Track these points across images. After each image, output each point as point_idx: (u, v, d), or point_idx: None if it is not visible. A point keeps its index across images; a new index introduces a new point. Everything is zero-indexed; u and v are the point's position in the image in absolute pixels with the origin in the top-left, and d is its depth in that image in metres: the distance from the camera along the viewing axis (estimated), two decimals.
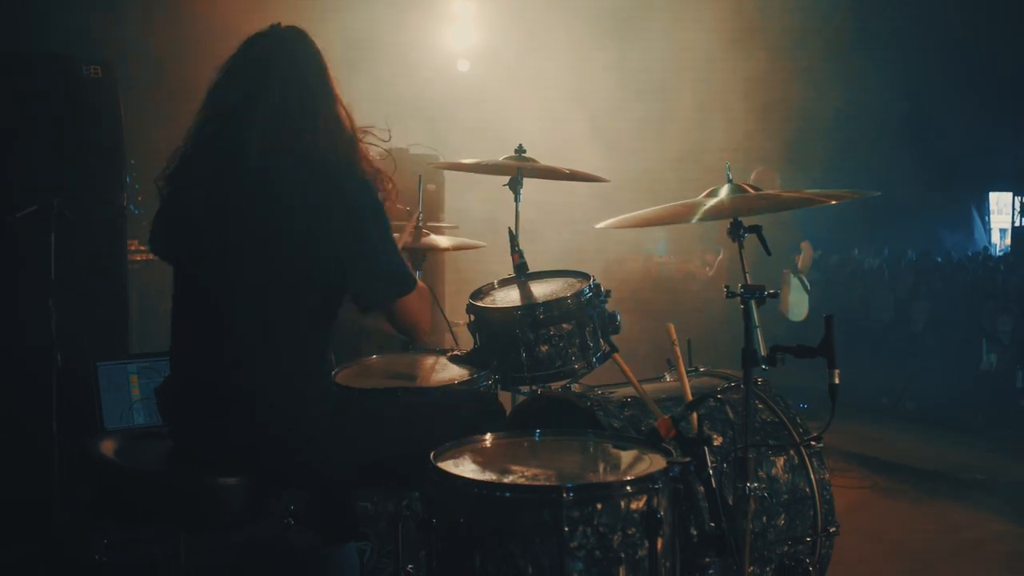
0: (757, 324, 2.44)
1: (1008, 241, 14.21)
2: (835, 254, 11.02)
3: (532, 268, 3.34)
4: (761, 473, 2.79)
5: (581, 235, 6.62)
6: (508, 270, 3.36)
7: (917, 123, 11.06)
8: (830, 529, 2.87)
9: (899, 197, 11.55)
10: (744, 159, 7.38)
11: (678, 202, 2.75)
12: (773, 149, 7.83)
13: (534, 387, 3.10)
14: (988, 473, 5.99)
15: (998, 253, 13.33)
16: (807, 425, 2.99)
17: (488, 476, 2.19)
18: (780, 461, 2.85)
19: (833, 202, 2.50)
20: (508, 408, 3.24)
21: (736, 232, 2.66)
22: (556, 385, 3.07)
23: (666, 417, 2.24)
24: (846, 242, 11.84)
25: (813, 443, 2.90)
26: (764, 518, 2.75)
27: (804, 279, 7.69)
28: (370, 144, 2.58)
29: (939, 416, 7.32)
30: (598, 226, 2.92)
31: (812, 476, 2.86)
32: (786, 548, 2.79)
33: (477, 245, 4.08)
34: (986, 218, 14.30)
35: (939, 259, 11.81)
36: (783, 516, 2.79)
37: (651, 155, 7.01)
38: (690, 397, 2.64)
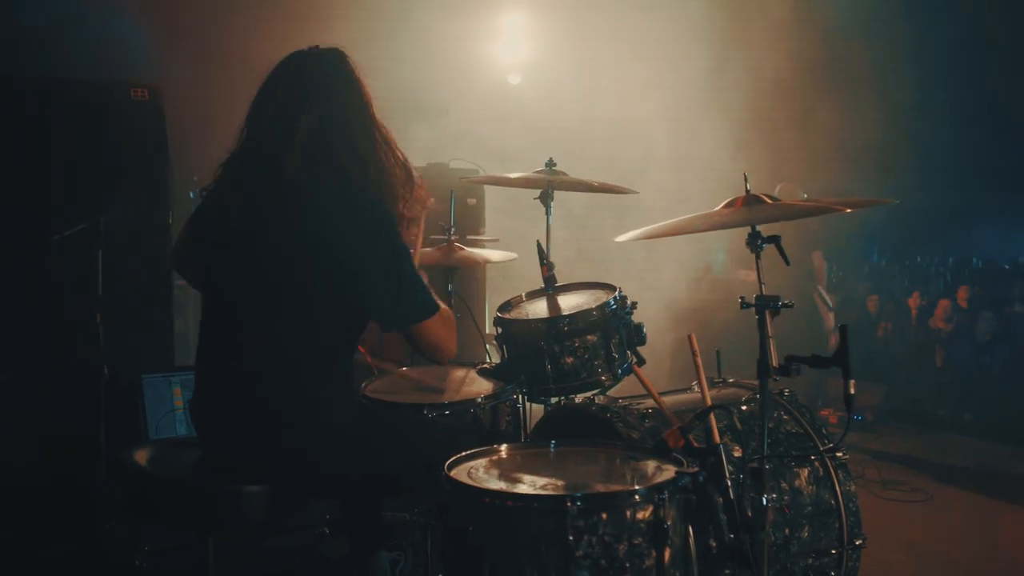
0: (771, 334, 2.43)
1: None
2: (896, 262, 10.80)
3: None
4: (784, 485, 2.77)
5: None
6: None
7: (974, 130, 10.80)
8: (856, 542, 2.83)
9: (962, 204, 11.30)
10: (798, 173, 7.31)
11: (695, 214, 2.75)
12: (826, 165, 7.73)
13: (559, 399, 3.12)
14: None
15: None
16: (833, 436, 2.96)
17: (499, 486, 2.22)
18: (804, 472, 2.83)
19: (848, 211, 2.48)
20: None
21: (754, 242, 2.66)
22: (580, 397, 3.09)
23: (675, 427, 2.25)
24: (909, 251, 11.62)
25: (838, 454, 2.86)
26: (787, 530, 2.73)
27: (824, 294, 7.58)
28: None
29: (998, 428, 7.13)
30: (618, 239, 2.93)
31: (837, 488, 2.83)
32: (810, 561, 2.76)
33: (509, 258, 4.12)
34: None
35: (1006, 266, 11.50)
36: (807, 528, 2.76)
37: (690, 170, 6.99)
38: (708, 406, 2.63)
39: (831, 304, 7.59)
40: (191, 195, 5.63)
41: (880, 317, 9.05)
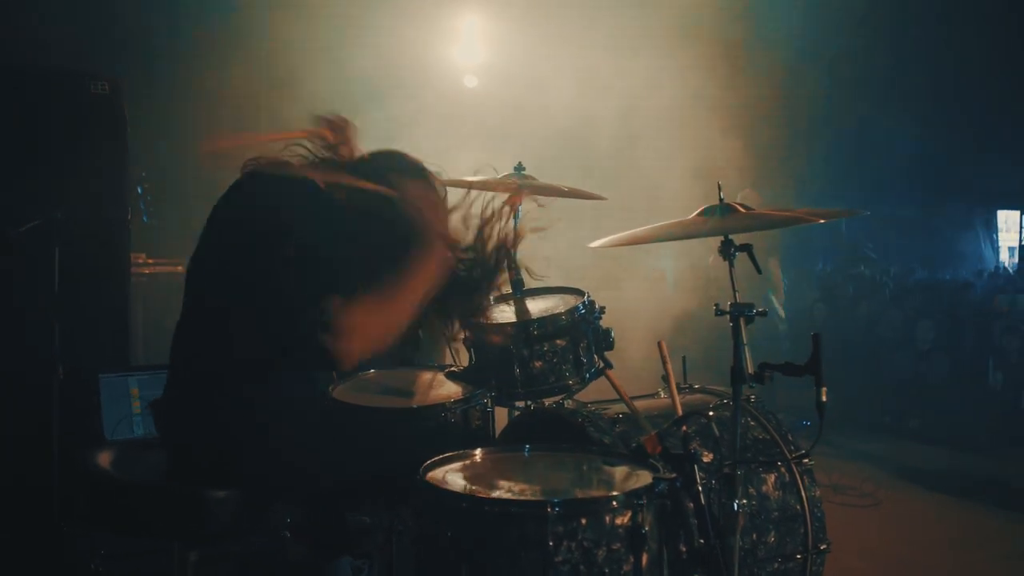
0: (745, 342, 2.46)
1: (1016, 259, 14.16)
2: (840, 272, 11.01)
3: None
4: (751, 490, 2.80)
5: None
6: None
7: (925, 142, 11.05)
8: (821, 546, 2.87)
9: (906, 215, 11.54)
10: (759, 177, 7.41)
11: (670, 221, 2.77)
12: (779, 171, 7.85)
13: (528, 403, 3.12)
14: (992, 491, 5.98)
15: (1004, 271, 13.28)
16: (799, 443, 3.00)
17: (476, 490, 2.21)
18: (771, 478, 2.86)
19: (822, 221, 2.52)
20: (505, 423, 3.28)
21: (727, 250, 2.69)
22: (550, 401, 3.09)
23: (653, 434, 2.26)
24: (853, 260, 11.82)
25: (804, 460, 2.91)
26: (754, 535, 2.76)
27: (777, 303, 7.71)
28: None
29: (943, 434, 7.32)
30: (592, 245, 2.94)
31: (803, 493, 2.87)
32: (776, 565, 2.79)
33: None
34: (994, 236, 14.24)
35: (947, 277, 11.79)
36: (773, 533, 2.80)
37: (655, 172, 7.04)
38: (680, 414, 2.65)
39: (782, 314, 7.73)
40: (139, 190, 5.53)
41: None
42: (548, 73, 7.27)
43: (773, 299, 7.84)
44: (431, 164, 2.55)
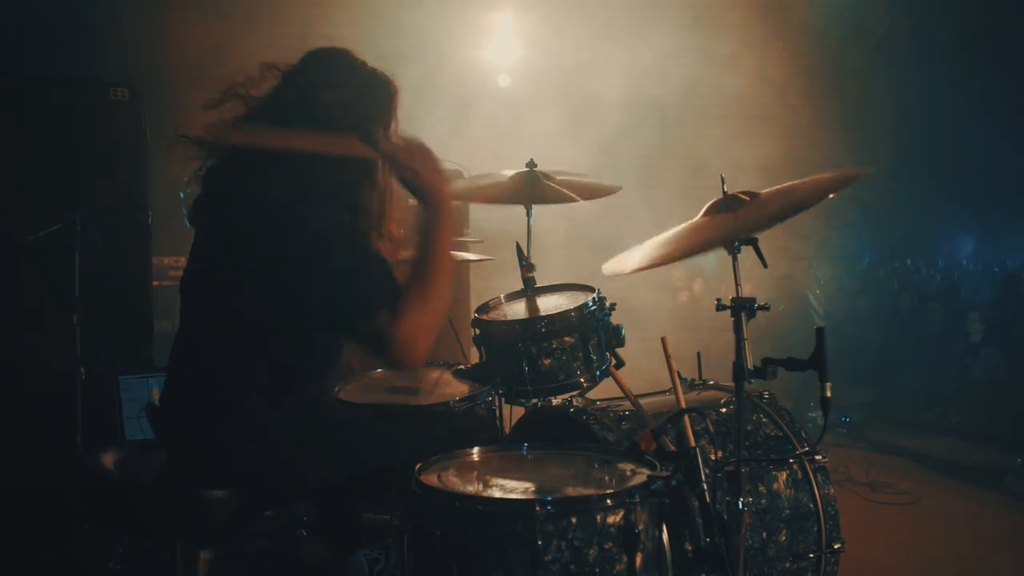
0: (747, 336, 2.40)
1: None
2: (882, 267, 10.79)
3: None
4: (762, 488, 2.74)
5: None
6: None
7: (960, 132, 10.77)
8: (835, 546, 2.80)
9: (949, 210, 11.29)
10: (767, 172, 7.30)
11: (677, 228, 2.67)
12: (793, 161, 7.72)
13: (536, 401, 3.10)
14: None
15: None
16: (813, 440, 2.93)
17: (469, 489, 2.19)
18: (782, 476, 2.80)
19: (831, 196, 2.39)
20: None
21: (732, 245, 2.62)
22: (557, 399, 3.06)
23: (647, 430, 2.22)
24: (900, 254, 11.60)
25: (817, 457, 2.84)
26: (764, 534, 2.70)
27: (813, 300, 7.61)
28: None
29: (984, 430, 7.13)
30: (605, 271, 2.81)
31: (816, 491, 2.80)
32: (788, 565, 2.73)
33: (485, 259, 4.09)
34: None
35: (995, 269, 11.49)
36: (784, 532, 2.74)
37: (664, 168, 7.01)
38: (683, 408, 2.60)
39: (820, 311, 7.61)
40: (181, 195, 5.57)
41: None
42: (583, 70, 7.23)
43: (810, 296, 7.73)
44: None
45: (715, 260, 8.90)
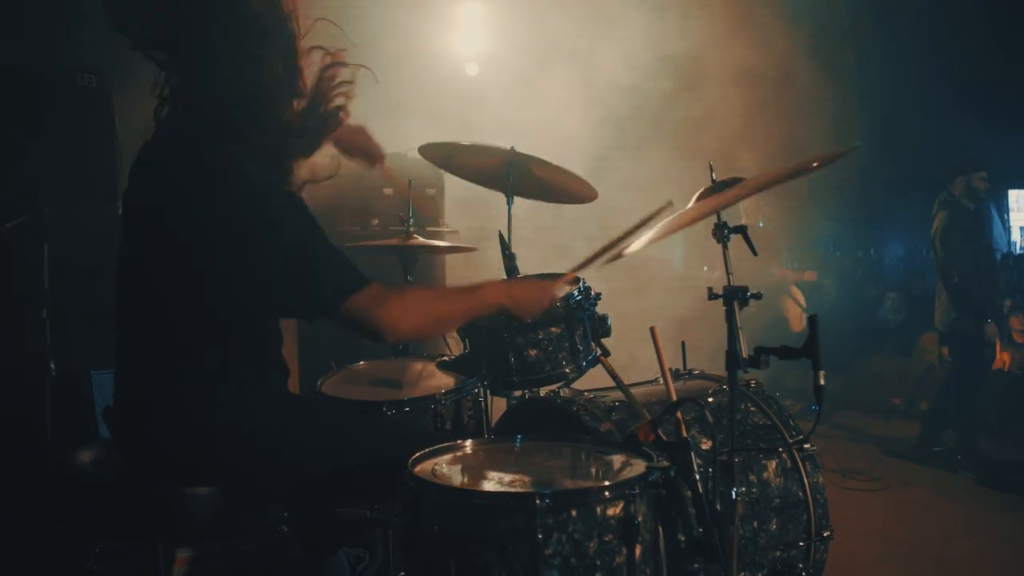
0: (740, 325, 2.39)
1: None
2: (847, 254, 10.89)
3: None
4: (752, 477, 2.74)
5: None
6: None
7: (930, 121, 10.90)
8: (824, 533, 2.81)
9: (916, 195, 11.39)
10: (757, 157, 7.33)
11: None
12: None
13: (523, 392, 3.07)
14: (1003, 474, 5.91)
15: (1018, 251, 13.11)
16: (801, 428, 2.94)
17: (465, 483, 2.16)
18: (772, 465, 2.80)
19: (815, 164, 2.37)
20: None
21: (721, 232, 2.62)
22: (545, 390, 3.03)
23: (645, 422, 2.20)
24: (861, 241, 11.71)
25: (806, 446, 2.84)
26: (755, 523, 2.69)
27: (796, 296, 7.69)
28: None
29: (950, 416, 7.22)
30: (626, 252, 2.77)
31: (805, 480, 2.81)
32: (778, 553, 2.73)
33: (468, 248, 4.06)
34: (1006, 216, 14.06)
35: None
36: (775, 520, 2.73)
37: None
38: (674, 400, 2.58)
39: (803, 304, 7.69)
40: None
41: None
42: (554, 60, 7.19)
43: (789, 292, 7.80)
44: None
45: (682, 249, 8.97)
